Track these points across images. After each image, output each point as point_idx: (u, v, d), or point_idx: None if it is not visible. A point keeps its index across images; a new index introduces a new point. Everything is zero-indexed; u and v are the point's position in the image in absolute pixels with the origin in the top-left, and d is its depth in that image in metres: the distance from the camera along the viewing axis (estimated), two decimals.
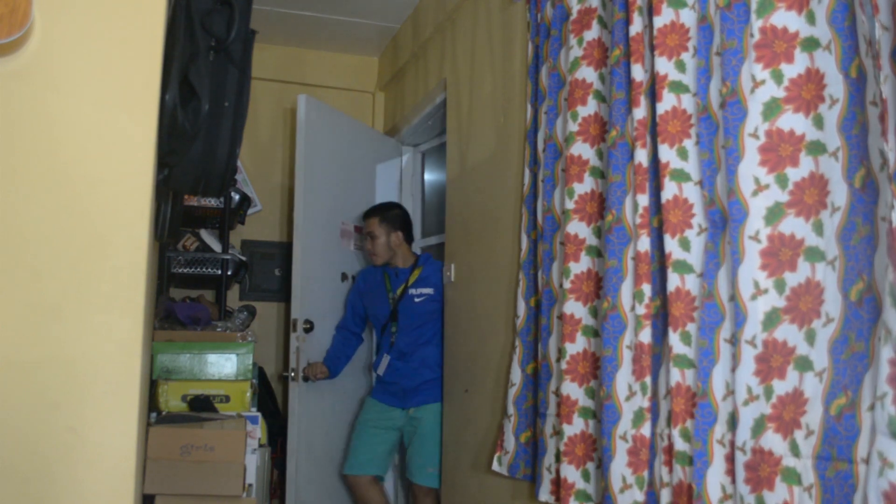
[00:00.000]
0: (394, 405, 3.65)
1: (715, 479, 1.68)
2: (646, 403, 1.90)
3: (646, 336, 1.91)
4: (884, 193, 1.44)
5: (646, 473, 1.89)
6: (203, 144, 1.80)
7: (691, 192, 1.84)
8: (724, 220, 1.75)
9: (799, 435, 1.53)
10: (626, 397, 1.95)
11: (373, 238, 3.73)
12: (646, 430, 1.90)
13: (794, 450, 1.53)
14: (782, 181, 1.62)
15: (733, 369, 1.65)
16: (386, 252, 3.74)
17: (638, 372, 1.92)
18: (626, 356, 1.96)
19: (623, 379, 1.96)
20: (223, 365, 2.99)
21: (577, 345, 2.16)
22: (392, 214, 3.78)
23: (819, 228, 1.58)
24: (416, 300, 3.64)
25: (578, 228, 2.20)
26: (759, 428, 1.59)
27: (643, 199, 1.95)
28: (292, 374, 3.65)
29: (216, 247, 3.92)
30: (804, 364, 1.55)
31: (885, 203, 1.43)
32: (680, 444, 1.79)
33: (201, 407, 2.84)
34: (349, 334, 3.89)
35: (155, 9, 1.67)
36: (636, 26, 2.00)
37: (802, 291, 1.58)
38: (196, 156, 1.81)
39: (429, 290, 3.64)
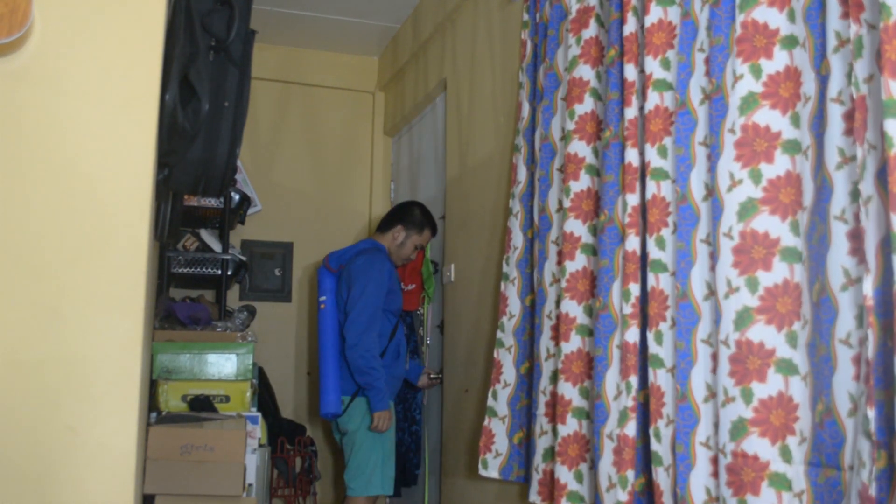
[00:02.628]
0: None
1: (699, 483, 1.66)
2: (630, 403, 1.90)
3: (632, 335, 1.91)
4: (837, 192, 1.43)
5: (629, 473, 1.88)
6: (203, 144, 1.80)
7: (668, 191, 1.84)
8: (696, 218, 1.74)
9: (793, 441, 1.51)
10: (614, 397, 1.95)
11: (419, 249, 3.48)
12: (629, 429, 1.89)
13: (786, 456, 1.51)
14: (755, 176, 1.61)
15: (713, 370, 1.65)
16: None
17: (623, 371, 1.92)
18: (616, 356, 1.96)
19: (612, 378, 1.95)
20: (223, 365, 2.99)
21: (572, 344, 2.15)
22: None
23: (796, 229, 1.56)
24: None
25: (574, 226, 2.20)
26: (738, 431, 1.57)
27: (632, 199, 1.95)
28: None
29: (216, 247, 3.92)
30: (788, 368, 1.53)
31: (839, 201, 1.42)
32: (653, 445, 1.78)
33: (201, 407, 2.84)
34: None
35: (155, 9, 1.67)
36: (630, 26, 2.01)
37: (779, 292, 1.56)
38: (196, 156, 1.81)
39: None
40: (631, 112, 1.98)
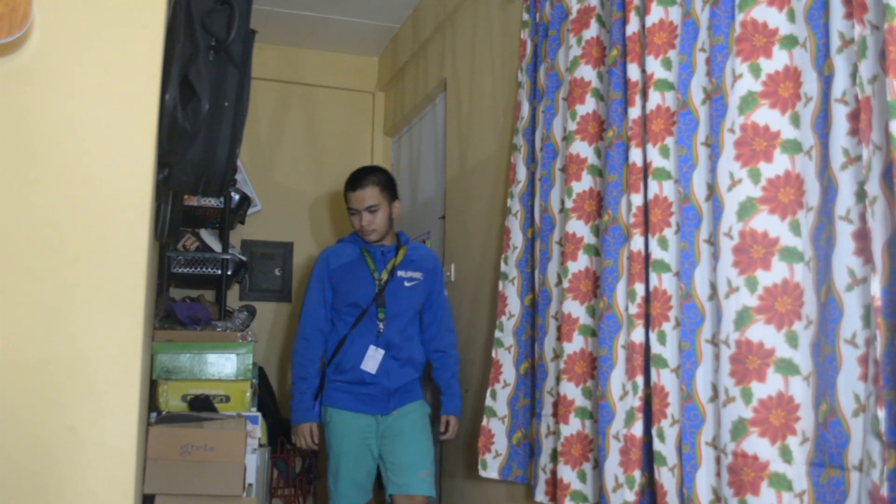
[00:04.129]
0: (368, 413, 2.91)
1: (705, 483, 1.66)
2: (636, 403, 1.90)
3: (637, 336, 1.91)
4: (842, 192, 1.43)
5: (636, 473, 1.88)
6: (203, 144, 1.80)
7: (670, 191, 1.84)
8: (699, 218, 1.75)
9: (793, 441, 1.51)
10: (620, 397, 1.95)
11: (373, 211, 2.94)
12: (636, 429, 1.89)
13: (786, 456, 1.51)
14: (755, 176, 1.61)
15: (716, 370, 1.65)
16: (386, 227, 2.99)
17: (630, 371, 1.92)
18: (621, 356, 1.96)
19: (617, 379, 1.95)
20: (223, 365, 2.99)
21: (575, 344, 2.15)
22: (391, 180, 3.04)
23: (796, 228, 1.56)
24: (406, 284, 2.98)
25: (577, 227, 2.20)
26: (738, 431, 1.57)
27: (637, 199, 1.95)
28: None
29: (216, 247, 3.92)
30: (788, 367, 1.53)
31: (844, 202, 1.42)
32: (656, 444, 1.78)
33: (201, 407, 2.84)
34: (321, 339, 3.02)
35: (155, 9, 1.67)
36: (633, 26, 2.01)
37: (779, 292, 1.56)
38: (196, 156, 1.81)
39: (418, 275, 3.00)
40: (634, 112, 1.98)
